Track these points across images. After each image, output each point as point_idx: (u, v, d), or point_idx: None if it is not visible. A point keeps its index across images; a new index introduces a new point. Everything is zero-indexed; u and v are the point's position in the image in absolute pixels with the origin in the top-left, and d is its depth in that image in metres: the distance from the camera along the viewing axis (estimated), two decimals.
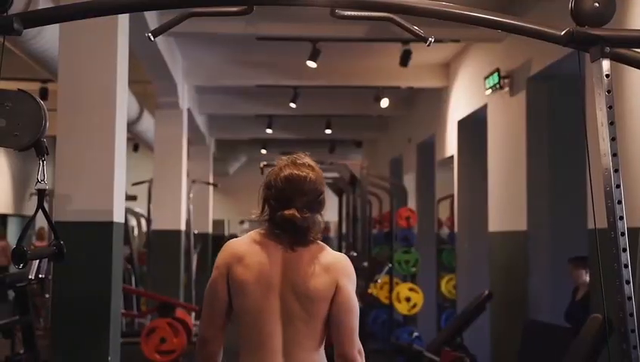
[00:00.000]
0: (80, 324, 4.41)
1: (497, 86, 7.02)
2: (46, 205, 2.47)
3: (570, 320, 5.93)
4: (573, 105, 5.70)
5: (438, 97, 9.58)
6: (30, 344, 4.31)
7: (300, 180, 2.40)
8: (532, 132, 6.53)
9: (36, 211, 2.24)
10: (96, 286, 4.43)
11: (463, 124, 8.68)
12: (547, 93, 6.52)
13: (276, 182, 2.41)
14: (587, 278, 5.76)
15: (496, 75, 7.04)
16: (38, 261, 3.71)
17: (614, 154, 2.25)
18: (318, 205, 2.43)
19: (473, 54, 8.22)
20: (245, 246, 2.41)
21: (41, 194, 2.26)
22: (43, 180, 2.25)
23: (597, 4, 2.28)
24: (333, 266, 2.39)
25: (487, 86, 7.27)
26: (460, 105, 8.71)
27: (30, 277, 3.91)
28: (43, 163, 2.24)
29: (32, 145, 2.18)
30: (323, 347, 2.41)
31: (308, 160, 2.50)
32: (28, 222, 2.38)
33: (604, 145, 2.26)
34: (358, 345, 2.38)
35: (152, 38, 2.61)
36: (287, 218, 2.35)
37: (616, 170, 2.25)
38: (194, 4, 2.56)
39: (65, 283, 4.43)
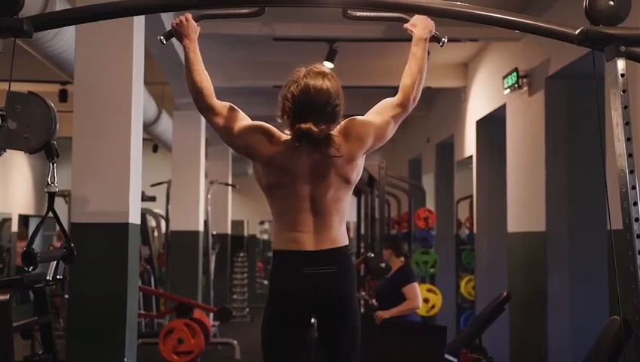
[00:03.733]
0: (96, 326, 4.41)
1: (516, 85, 6.96)
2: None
3: (377, 299, 6.13)
4: (592, 104, 5.64)
5: (456, 97, 9.53)
6: (49, 344, 4.32)
7: (316, 94, 2.55)
8: (551, 132, 6.47)
9: (46, 213, 2.25)
10: (112, 288, 4.43)
11: (481, 123, 8.62)
12: (566, 93, 6.46)
13: (293, 95, 2.57)
14: (395, 258, 6.04)
15: (514, 74, 6.98)
16: (56, 262, 3.73)
17: (630, 155, 2.22)
18: (333, 116, 2.59)
19: (491, 53, 8.16)
20: (274, 149, 2.57)
21: (52, 196, 2.26)
22: (53, 183, 2.25)
23: (612, 3, 2.25)
24: (351, 136, 2.61)
25: (506, 85, 7.21)
26: (478, 104, 8.65)
27: (48, 278, 3.93)
28: (53, 165, 2.24)
29: (42, 147, 2.19)
30: (345, 223, 2.66)
31: (325, 69, 2.65)
32: (38, 225, 2.39)
33: (620, 146, 2.23)
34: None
35: (164, 42, 2.62)
36: (304, 131, 2.51)
37: (631, 171, 2.22)
38: (205, 6, 2.56)
39: (81, 285, 4.43)
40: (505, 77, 7.24)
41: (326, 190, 2.57)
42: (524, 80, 6.88)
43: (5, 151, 2.09)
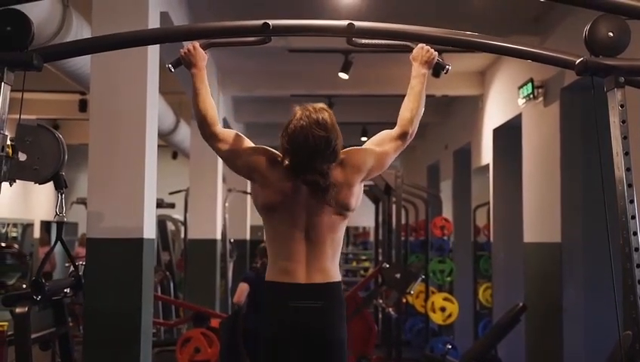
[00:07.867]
0: (111, 340, 4.46)
1: (531, 96, 6.96)
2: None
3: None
4: (607, 116, 5.62)
5: (474, 104, 9.51)
6: (67, 355, 4.38)
7: (314, 140, 2.60)
8: (566, 143, 6.44)
9: (55, 242, 2.29)
10: (127, 302, 4.48)
11: (498, 132, 8.61)
12: (581, 104, 6.43)
13: (293, 141, 2.62)
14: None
15: (530, 85, 6.97)
16: (73, 269, 3.79)
17: (629, 185, 2.24)
18: (333, 156, 2.65)
19: (507, 63, 8.15)
20: (275, 171, 2.64)
21: (60, 226, 2.31)
22: (62, 213, 2.30)
23: (611, 34, 2.26)
24: (349, 165, 2.70)
25: (522, 96, 7.21)
26: (495, 113, 8.64)
27: (65, 290, 3.99)
28: (61, 196, 2.29)
29: (51, 178, 2.24)
30: (338, 257, 2.72)
31: (320, 106, 2.73)
32: (47, 254, 2.44)
33: (619, 175, 2.24)
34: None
35: (173, 70, 2.67)
36: (310, 182, 2.58)
37: (631, 201, 2.24)
38: (212, 35, 2.61)
39: (96, 300, 4.48)
40: (520, 87, 7.24)
41: (322, 217, 2.63)
42: (540, 90, 6.87)
43: (15, 181, 2.15)
